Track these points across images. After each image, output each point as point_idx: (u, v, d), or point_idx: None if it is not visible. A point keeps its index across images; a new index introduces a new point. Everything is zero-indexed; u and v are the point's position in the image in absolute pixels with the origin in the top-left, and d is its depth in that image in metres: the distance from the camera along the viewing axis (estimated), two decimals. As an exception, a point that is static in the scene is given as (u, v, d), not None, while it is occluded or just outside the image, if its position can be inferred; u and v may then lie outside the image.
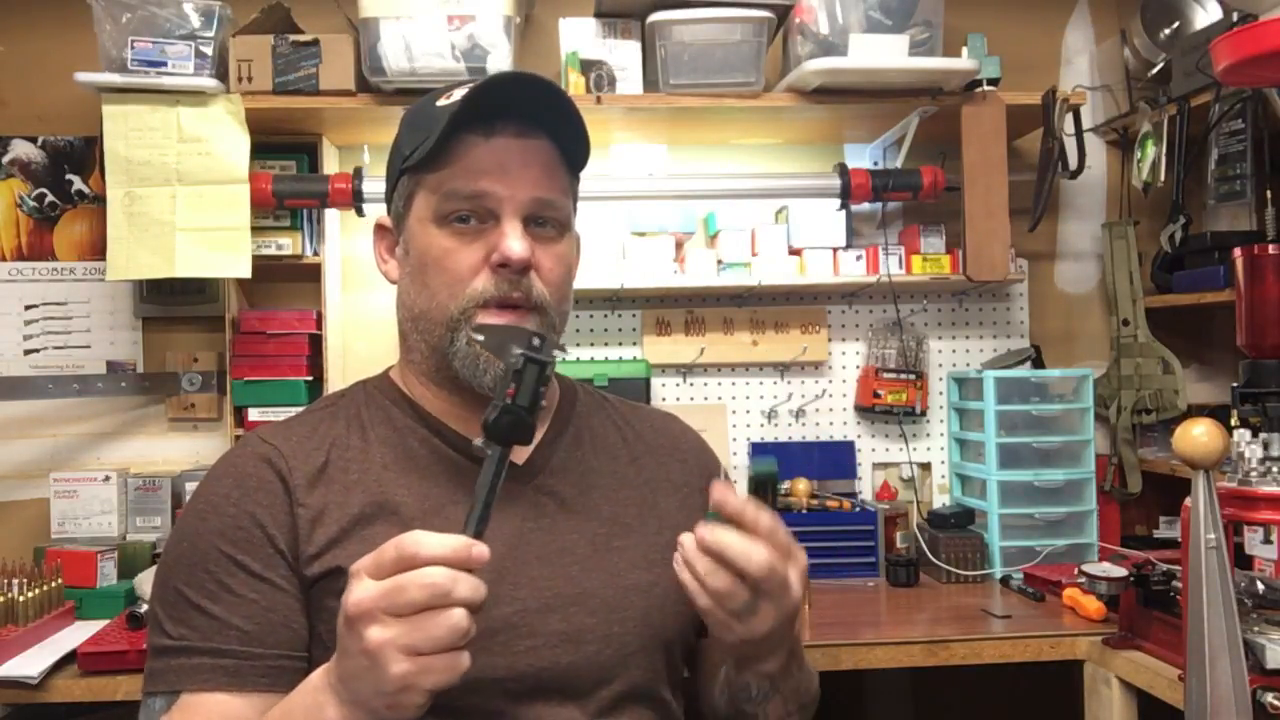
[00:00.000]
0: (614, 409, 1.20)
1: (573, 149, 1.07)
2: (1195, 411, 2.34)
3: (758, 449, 2.53)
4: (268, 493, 1.00)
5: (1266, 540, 1.90)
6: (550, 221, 1.05)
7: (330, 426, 1.07)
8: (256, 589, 0.97)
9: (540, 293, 1.03)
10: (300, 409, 1.15)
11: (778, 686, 1.03)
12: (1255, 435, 1.37)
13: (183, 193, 2.12)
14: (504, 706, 0.96)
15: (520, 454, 1.07)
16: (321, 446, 1.05)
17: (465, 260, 1.01)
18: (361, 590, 0.79)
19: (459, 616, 0.77)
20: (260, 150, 2.21)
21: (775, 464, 0.93)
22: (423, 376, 1.09)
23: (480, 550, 0.79)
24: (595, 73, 2.24)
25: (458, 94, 1.04)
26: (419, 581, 0.77)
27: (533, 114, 1.02)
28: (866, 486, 2.57)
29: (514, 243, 1.00)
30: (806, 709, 1.10)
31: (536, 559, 1.02)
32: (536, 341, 0.90)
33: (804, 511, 2.32)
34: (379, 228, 1.12)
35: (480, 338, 0.95)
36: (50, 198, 2.43)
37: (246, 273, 2.15)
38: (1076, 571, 1.90)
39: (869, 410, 2.55)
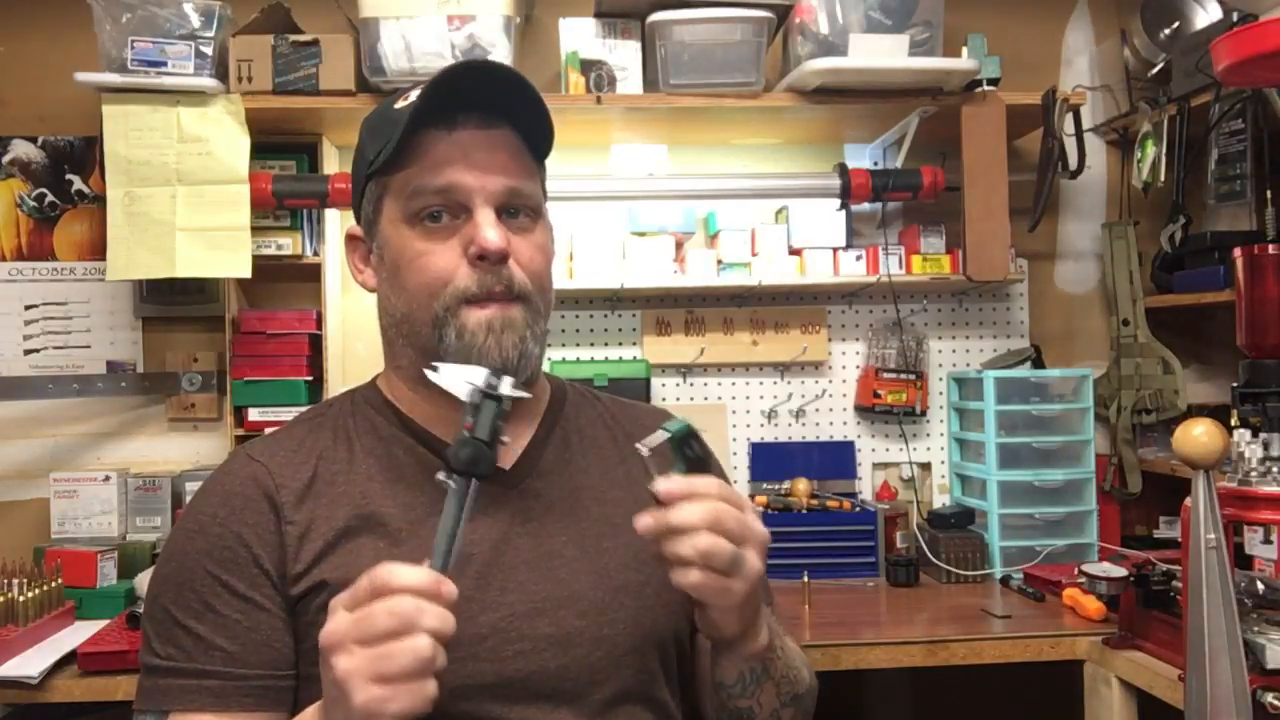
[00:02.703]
0: (604, 408, 1.20)
1: (536, 136, 1.06)
2: (1195, 411, 2.34)
3: (757, 449, 2.53)
4: (254, 512, 1.00)
5: (1266, 540, 1.90)
6: (523, 210, 1.04)
7: (317, 438, 1.07)
8: (240, 609, 0.97)
9: (521, 281, 1.02)
10: (302, 409, 1.15)
11: (768, 669, 1.01)
12: (1255, 435, 1.37)
13: (183, 193, 2.12)
14: (495, 711, 0.96)
15: (507, 457, 1.07)
16: (309, 460, 1.04)
17: (442, 259, 1.01)
18: (335, 622, 0.80)
19: (423, 644, 0.77)
20: (260, 150, 2.21)
21: (686, 421, 0.95)
22: (410, 381, 1.08)
23: (449, 588, 0.80)
24: (595, 73, 2.24)
25: (414, 94, 1.03)
26: (386, 609, 0.78)
27: (492, 105, 1.02)
28: (866, 486, 2.57)
29: (489, 232, 0.99)
30: (801, 700, 1.07)
31: (524, 563, 1.02)
32: (494, 378, 0.91)
33: (804, 511, 2.32)
34: (350, 238, 1.12)
35: (434, 375, 0.93)
36: (50, 198, 2.43)
37: (246, 273, 2.15)
38: (1076, 571, 1.91)
39: (869, 410, 2.55)
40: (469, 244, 1.00)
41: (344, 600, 0.81)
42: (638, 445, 0.93)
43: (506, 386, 0.91)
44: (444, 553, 0.84)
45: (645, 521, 0.88)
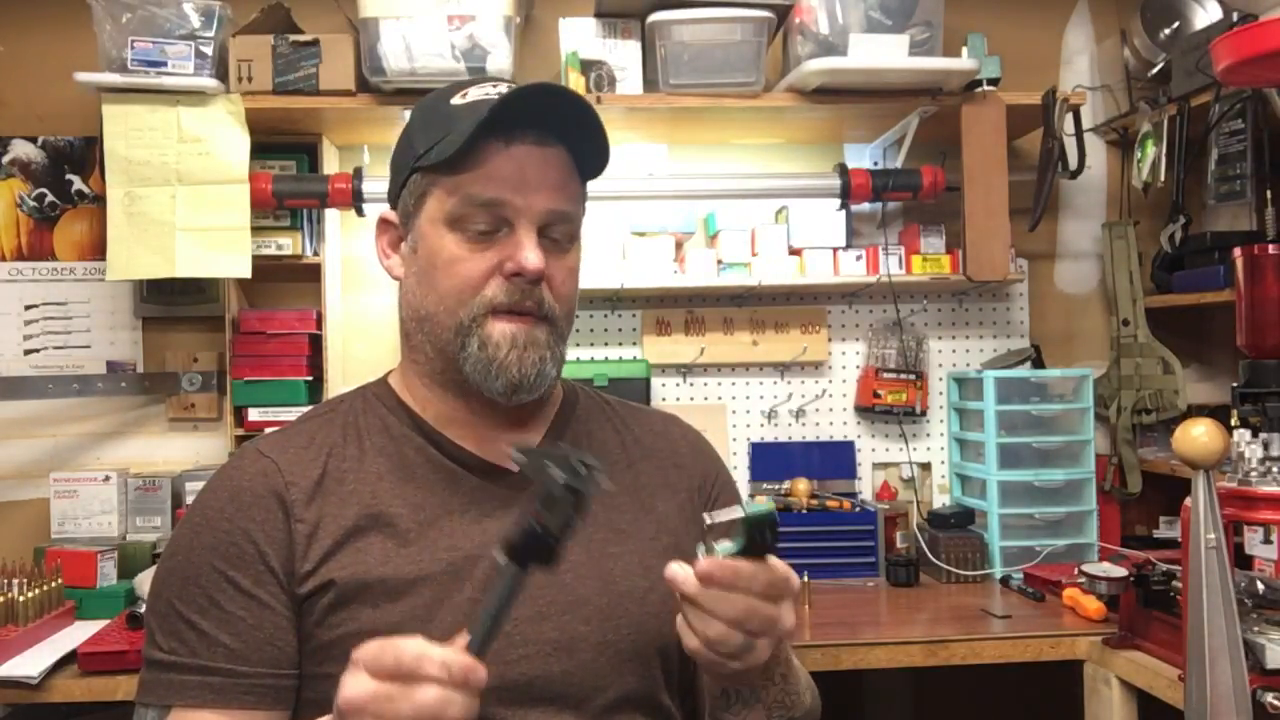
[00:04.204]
0: (614, 412, 1.20)
1: (588, 157, 1.06)
2: (1195, 411, 2.34)
3: (757, 449, 2.53)
4: (263, 509, 1.00)
5: (1266, 540, 1.90)
6: (563, 232, 1.04)
7: (327, 434, 1.07)
8: (245, 606, 0.97)
9: (550, 305, 1.02)
10: (302, 409, 1.15)
11: (757, 693, 1.01)
12: (1255, 435, 1.37)
13: (183, 193, 2.12)
14: (499, 715, 0.96)
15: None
16: (319, 457, 1.04)
17: (477, 267, 1.01)
18: (356, 686, 0.78)
19: None
20: (260, 150, 2.21)
21: (772, 509, 0.87)
22: (425, 379, 1.08)
23: (478, 676, 0.77)
24: (595, 73, 2.24)
25: (473, 93, 1.03)
26: (412, 698, 0.76)
27: (550, 121, 1.02)
28: (866, 486, 2.57)
29: (530, 254, 0.99)
30: None
31: None
32: (581, 469, 0.84)
33: (804, 511, 2.32)
34: (383, 222, 1.11)
35: (523, 458, 0.87)
36: (50, 198, 2.43)
37: (246, 273, 2.15)
38: (1076, 571, 1.91)
39: (869, 410, 2.55)
40: (506, 259, 1.00)
41: (367, 661, 0.78)
42: (705, 514, 0.89)
43: (593, 482, 0.84)
44: (483, 634, 0.80)
45: (674, 574, 0.87)
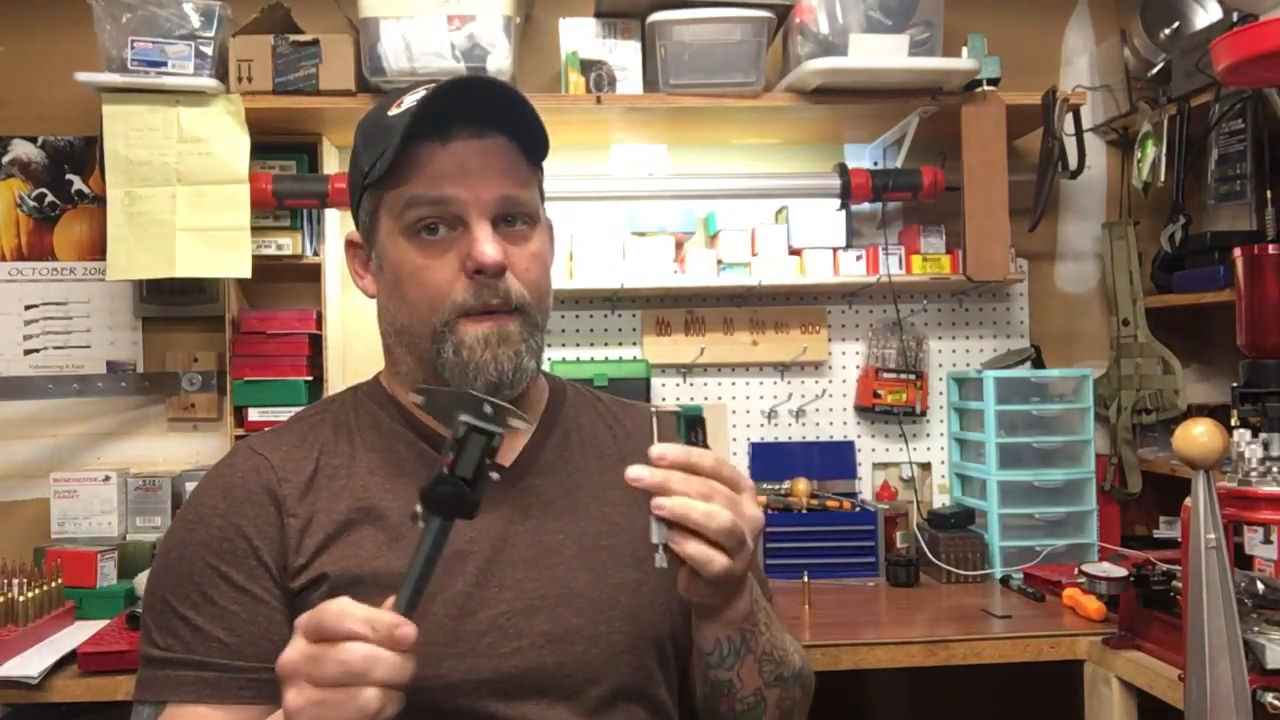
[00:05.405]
0: (604, 407, 1.20)
1: (532, 141, 1.05)
2: (1195, 411, 2.34)
3: (757, 449, 2.53)
4: (255, 505, 1.00)
5: (1266, 540, 1.90)
6: (519, 218, 1.04)
7: (319, 433, 1.07)
8: (238, 601, 0.97)
9: (519, 294, 1.02)
10: (299, 409, 1.15)
11: (747, 642, 1.00)
12: (1255, 435, 1.37)
13: (183, 193, 2.12)
14: (492, 707, 0.96)
15: (506, 455, 1.06)
16: (311, 455, 1.05)
17: (440, 273, 1.01)
18: (292, 650, 0.78)
19: (368, 698, 0.75)
20: (260, 150, 2.21)
21: (699, 409, 0.92)
22: (410, 386, 1.07)
23: (405, 632, 0.77)
24: (595, 73, 2.24)
25: (406, 101, 1.03)
26: (335, 658, 0.76)
27: (487, 113, 1.01)
28: (866, 486, 2.57)
29: (486, 247, 0.99)
30: (787, 682, 1.06)
31: (522, 560, 1.02)
32: (488, 409, 0.82)
33: (804, 511, 2.32)
34: (350, 244, 1.12)
35: (420, 400, 0.88)
36: (50, 198, 2.43)
37: (246, 273, 2.15)
38: (1076, 571, 1.91)
39: (869, 410, 2.55)
40: (466, 258, 1.00)
41: (304, 625, 0.79)
42: (651, 408, 0.92)
43: (499, 420, 0.83)
44: (410, 593, 0.79)
45: (635, 471, 0.86)
